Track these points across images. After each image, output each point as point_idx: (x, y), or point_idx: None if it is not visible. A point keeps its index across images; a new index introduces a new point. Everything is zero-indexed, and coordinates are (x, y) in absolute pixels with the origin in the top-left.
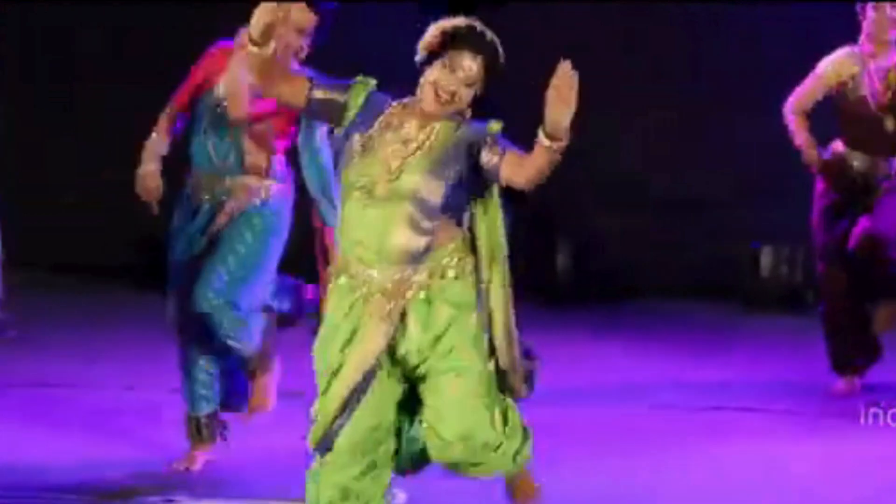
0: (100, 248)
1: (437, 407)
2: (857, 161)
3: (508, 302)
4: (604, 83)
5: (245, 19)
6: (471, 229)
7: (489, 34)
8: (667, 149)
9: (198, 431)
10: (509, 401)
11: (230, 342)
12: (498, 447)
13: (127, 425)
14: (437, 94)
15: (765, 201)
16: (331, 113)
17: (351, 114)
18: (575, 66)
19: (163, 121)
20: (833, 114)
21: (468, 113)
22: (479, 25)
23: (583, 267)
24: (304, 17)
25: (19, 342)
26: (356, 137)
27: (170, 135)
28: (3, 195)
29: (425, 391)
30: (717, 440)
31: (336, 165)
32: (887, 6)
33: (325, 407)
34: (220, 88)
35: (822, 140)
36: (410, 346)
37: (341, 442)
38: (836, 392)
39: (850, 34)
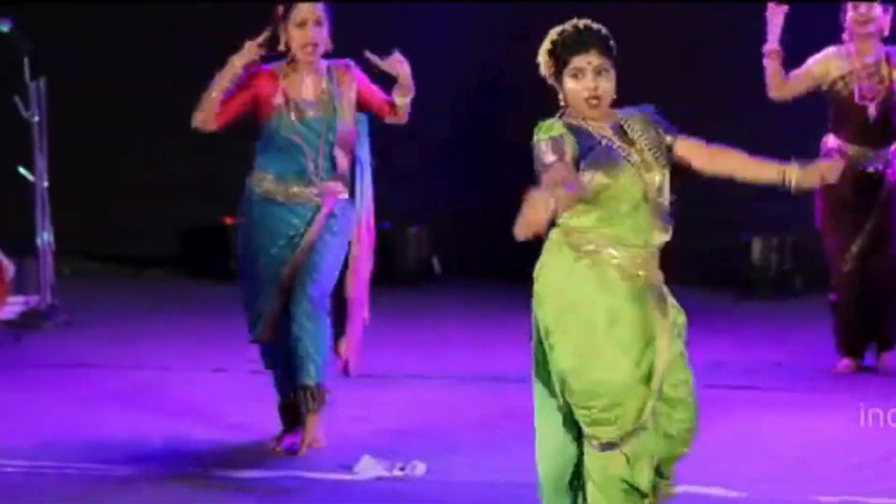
0: (141, 239)
1: None
2: (852, 152)
3: None
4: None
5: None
6: None
7: (585, 25)
8: None
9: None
10: None
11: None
12: None
13: (163, 402)
14: (587, 101)
15: (755, 194)
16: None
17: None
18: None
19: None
20: (824, 111)
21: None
22: (571, 27)
23: None
24: (303, 12)
25: (67, 326)
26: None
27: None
28: (54, 191)
29: None
30: (709, 416)
31: None
32: (863, 5)
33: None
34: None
35: (818, 139)
36: None
37: None
38: (838, 370)
39: (838, 33)
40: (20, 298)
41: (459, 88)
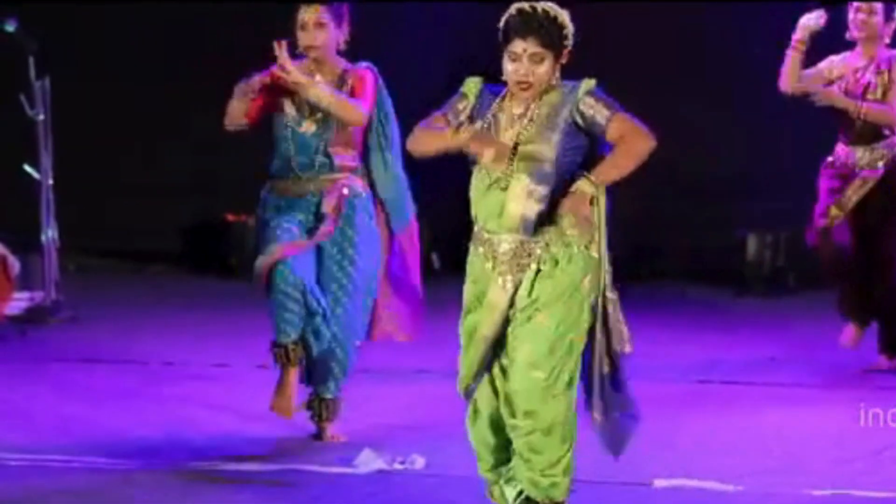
0: (145, 235)
1: None
2: (859, 153)
3: None
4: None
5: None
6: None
7: (540, 9)
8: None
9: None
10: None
11: None
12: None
13: (166, 396)
14: (517, 84)
15: (749, 191)
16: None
17: (470, 109)
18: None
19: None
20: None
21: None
22: (527, 6)
23: None
24: (304, 14)
25: (72, 322)
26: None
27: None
28: (58, 188)
29: None
30: (704, 411)
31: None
32: (862, 7)
33: None
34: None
35: (824, 141)
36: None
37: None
38: (843, 340)
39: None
40: (25, 294)
41: (459, 85)
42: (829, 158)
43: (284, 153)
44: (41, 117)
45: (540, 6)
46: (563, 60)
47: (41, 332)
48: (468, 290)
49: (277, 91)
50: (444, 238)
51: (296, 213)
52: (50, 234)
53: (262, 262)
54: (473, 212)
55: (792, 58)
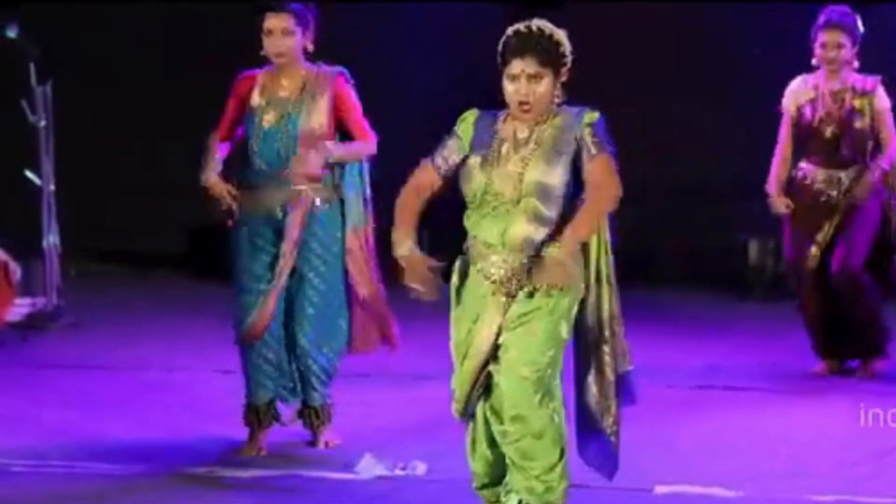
0: (147, 239)
1: None
2: (821, 177)
3: None
4: (598, 81)
5: None
6: None
7: (535, 29)
8: (664, 146)
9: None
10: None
11: None
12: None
13: (168, 402)
14: (519, 106)
15: (751, 196)
16: (459, 166)
17: (466, 146)
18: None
19: (211, 154)
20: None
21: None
22: (522, 27)
23: None
24: (270, 22)
25: (73, 327)
26: (474, 156)
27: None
28: (59, 191)
29: None
30: (706, 416)
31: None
32: (827, 34)
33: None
34: None
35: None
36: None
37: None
38: (816, 371)
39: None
40: (27, 300)
41: (456, 89)
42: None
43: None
44: (42, 123)
45: (535, 25)
46: (563, 79)
47: (42, 337)
48: (460, 308)
49: (241, 96)
50: (443, 243)
51: (262, 251)
52: (51, 239)
53: (241, 333)
54: (470, 228)
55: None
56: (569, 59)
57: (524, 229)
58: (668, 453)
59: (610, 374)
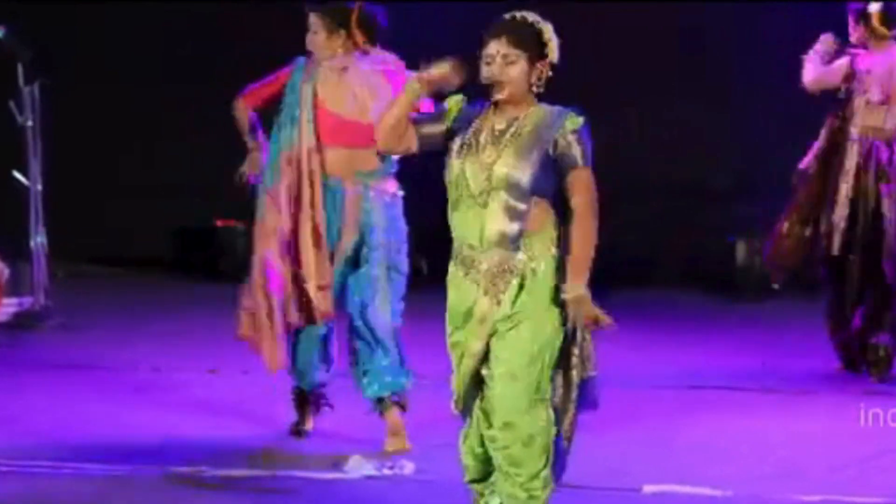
0: (135, 240)
1: None
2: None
3: None
4: (594, 82)
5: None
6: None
7: (518, 16)
8: (658, 147)
9: None
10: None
11: None
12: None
13: (156, 402)
14: (492, 87)
15: (745, 197)
16: (438, 141)
17: (450, 120)
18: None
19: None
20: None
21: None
22: (508, 15)
23: None
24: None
25: (61, 327)
26: (455, 142)
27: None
28: (48, 192)
29: None
30: (695, 416)
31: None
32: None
33: None
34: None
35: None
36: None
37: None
38: (835, 370)
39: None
40: (14, 300)
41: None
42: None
43: None
44: (30, 123)
45: (518, 14)
46: (544, 70)
47: (30, 338)
48: (452, 308)
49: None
50: (432, 243)
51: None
52: (39, 240)
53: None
54: (453, 230)
55: (821, 51)
56: (551, 51)
57: (498, 224)
58: (657, 453)
59: (575, 378)
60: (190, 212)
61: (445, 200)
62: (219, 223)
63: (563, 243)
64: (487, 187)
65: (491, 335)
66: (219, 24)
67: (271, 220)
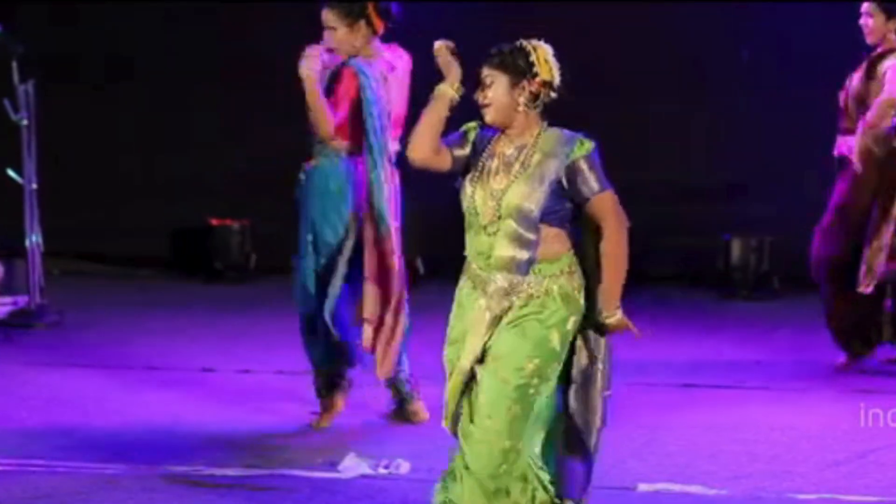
0: (130, 239)
1: None
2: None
3: None
4: (592, 77)
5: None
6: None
7: (506, 47)
8: (651, 146)
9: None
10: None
11: None
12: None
13: (151, 401)
14: (481, 109)
15: (736, 196)
16: (463, 164)
17: (468, 145)
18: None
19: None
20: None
21: (537, 109)
22: (498, 48)
23: None
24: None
25: (56, 326)
26: (469, 168)
27: None
28: (44, 191)
29: None
30: (689, 414)
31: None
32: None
33: None
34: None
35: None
36: None
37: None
38: (837, 366)
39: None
40: (9, 299)
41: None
42: None
43: None
44: (25, 122)
45: (518, 42)
46: (532, 89)
47: (25, 336)
48: (455, 322)
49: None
50: (429, 243)
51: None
52: (34, 238)
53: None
54: (467, 250)
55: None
56: (543, 71)
57: (508, 250)
58: (651, 451)
59: (597, 396)
60: (185, 211)
61: (445, 200)
62: (214, 222)
63: (586, 265)
64: (496, 215)
65: (489, 337)
66: (218, 24)
67: None
